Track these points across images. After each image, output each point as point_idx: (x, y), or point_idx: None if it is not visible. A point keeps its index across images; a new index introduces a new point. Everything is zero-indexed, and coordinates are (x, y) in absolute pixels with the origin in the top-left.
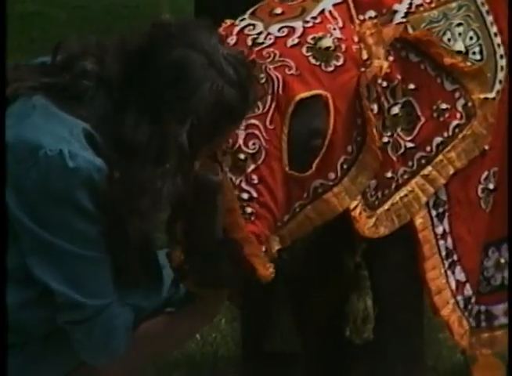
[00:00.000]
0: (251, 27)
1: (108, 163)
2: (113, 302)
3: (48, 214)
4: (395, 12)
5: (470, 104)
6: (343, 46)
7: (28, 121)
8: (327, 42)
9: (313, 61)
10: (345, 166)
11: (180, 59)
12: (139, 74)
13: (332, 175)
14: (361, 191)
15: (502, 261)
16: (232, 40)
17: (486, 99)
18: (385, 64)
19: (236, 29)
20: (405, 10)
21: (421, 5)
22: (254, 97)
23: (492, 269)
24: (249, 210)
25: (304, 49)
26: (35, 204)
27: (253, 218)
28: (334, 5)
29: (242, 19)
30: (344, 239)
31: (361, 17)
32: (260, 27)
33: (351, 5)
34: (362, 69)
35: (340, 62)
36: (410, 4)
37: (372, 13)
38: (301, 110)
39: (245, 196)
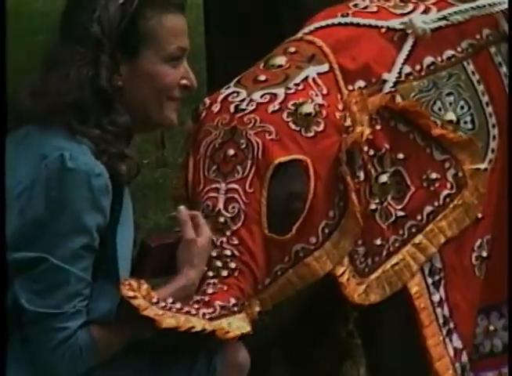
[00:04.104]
0: (235, 94)
1: None
2: (63, 314)
3: (36, 216)
4: (385, 81)
5: (460, 174)
6: (324, 112)
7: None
8: (308, 108)
9: (293, 126)
10: (327, 230)
11: None
12: None
13: (313, 239)
14: (343, 255)
15: (491, 328)
16: (216, 107)
17: (478, 169)
18: (367, 131)
19: (221, 97)
20: (395, 80)
21: (411, 73)
22: None
23: (481, 336)
24: (233, 265)
25: (284, 115)
26: (28, 207)
27: (236, 274)
28: (320, 74)
29: (227, 88)
30: (335, 307)
31: (350, 87)
32: (243, 94)
33: (339, 76)
34: (344, 135)
35: (321, 128)
36: (399, 73)
37: (361, 83)
38: (280, 174)
39: (228, 252)
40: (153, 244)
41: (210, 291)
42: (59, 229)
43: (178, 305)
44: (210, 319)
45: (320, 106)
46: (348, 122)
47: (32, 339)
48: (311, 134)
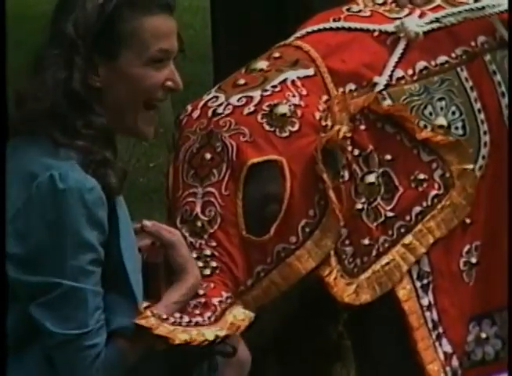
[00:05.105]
0: (214, 99)
1: None
2: (90, 331)
3: (38, 241)
4: (375, 84)
5: (447, 175)
6: (299, 112)
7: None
8: (283, 109)
9: (267, 127)
10: (307, 229)
11: None
12: None
13: (293, 239)
14: (326, 253)
15: (483, 336)
16: (196, 113)
17: (465, 169)
18: (343, 129)
19: (202, 102)
20: (385, 82)
21: (402, 77)
22: None
23: (473, 343)
24: (213, 264)
25: (259, 116)
26: (28, 233)
27: (218, 272)
28: (301, 78)
29: (209, 93)
30: (325, 308)
31: (341, 89)
32: (222, 98)
33: (328, 78)
34: (322, 134)
35: (296, 127)
36: (390, 76)
37: (352, 86)
38: (255, 175)
39: (207, 252)
40: (157, 259)
41: (200, 291)
42: (64, 250)
43: (186, 319)
44: (216, 320)
45: (296, 106)
46: (328, 122)
47: (60, 359)
48: (286, 134)
